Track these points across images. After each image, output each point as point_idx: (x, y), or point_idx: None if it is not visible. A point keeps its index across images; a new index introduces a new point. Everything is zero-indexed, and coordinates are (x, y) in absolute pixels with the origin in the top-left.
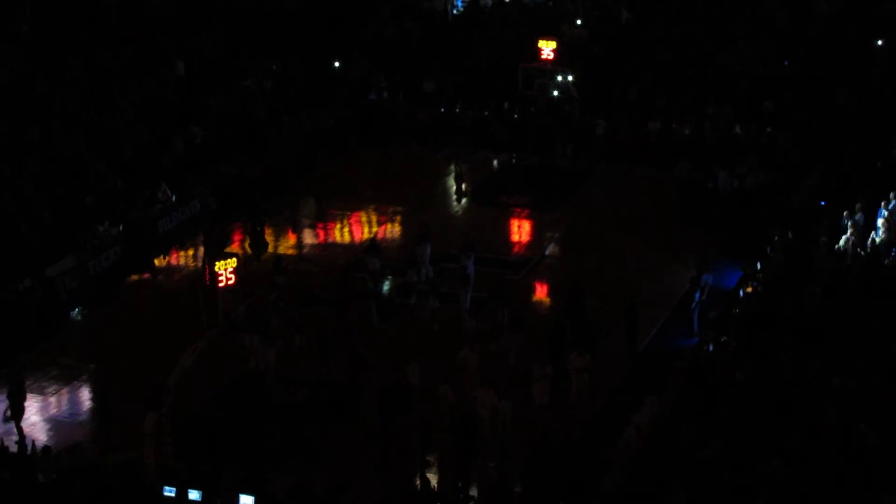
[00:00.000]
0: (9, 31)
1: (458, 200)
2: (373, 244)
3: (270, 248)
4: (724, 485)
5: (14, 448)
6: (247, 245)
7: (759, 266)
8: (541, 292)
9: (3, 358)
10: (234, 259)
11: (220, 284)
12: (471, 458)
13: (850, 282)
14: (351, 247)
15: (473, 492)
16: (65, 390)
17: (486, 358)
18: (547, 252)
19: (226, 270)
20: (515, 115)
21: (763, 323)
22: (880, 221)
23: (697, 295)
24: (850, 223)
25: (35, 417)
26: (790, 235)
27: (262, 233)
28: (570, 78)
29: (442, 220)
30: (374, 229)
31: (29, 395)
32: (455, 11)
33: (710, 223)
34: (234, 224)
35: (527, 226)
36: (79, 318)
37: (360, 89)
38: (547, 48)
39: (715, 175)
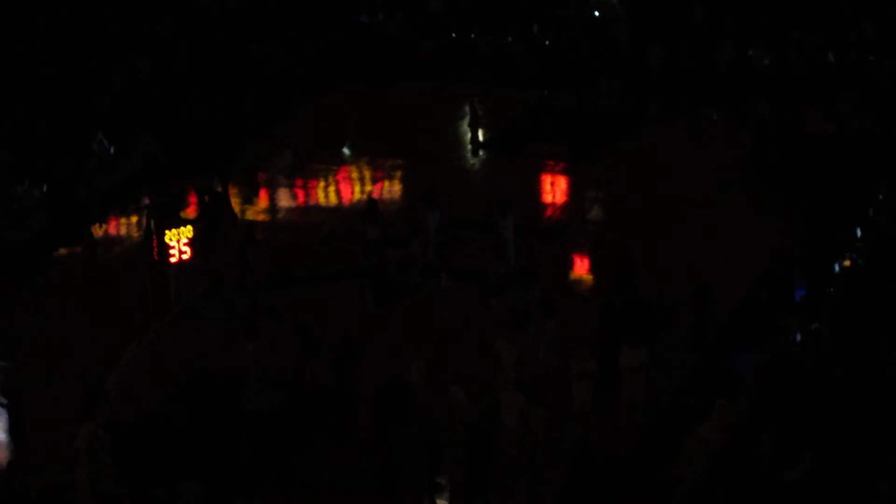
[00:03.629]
0: None
1: (475, 151)
2: (371, 207)
3: (237, 213)
4: None
5: None
6: (205, 209)
7: (859, 233)
8: (581, 268)
9: None
10: (190, 227)
11: (172, 259)
12: (491, 479)
13: None
14: (338, 210)
15: None
16: None
17: (511, 351)
18: (588, 216)
19: (179, 242)
20: (546, 42)
21: (865, 306)
22: None
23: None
24: None
25: None
26: None
27: (227, 194)
28: None
29: (454, 177)
30: (369, 188)
31: None
32: None
33: (796, 177)
34: (189, 183)
35: (562, 183)
36: None
37: (348, 9)
38: None
39: (802, 116)
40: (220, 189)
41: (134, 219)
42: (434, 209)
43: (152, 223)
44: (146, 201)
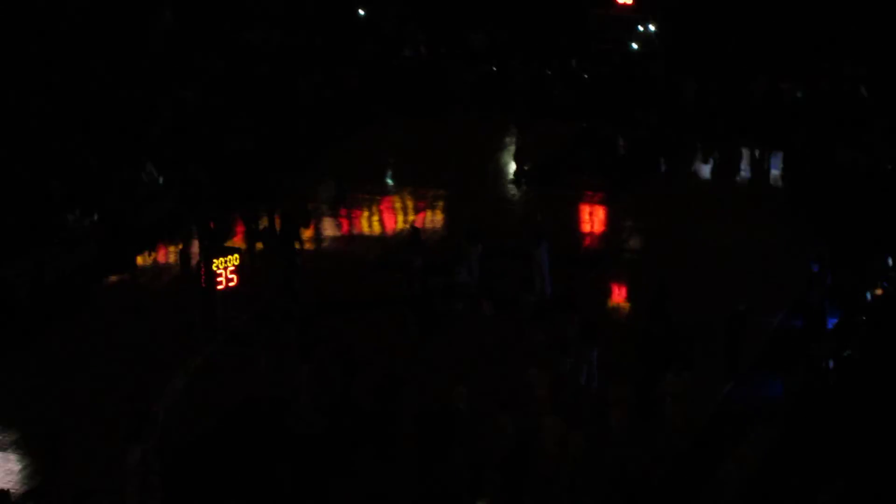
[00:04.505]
0: None
1: (517, 182)
2: (414, 236)
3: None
4: None
5: None
6: (252, 238)
7: (890, 262)
8: (619, 295)
9: None
10: (237, 255)
11: (220, 287)
12: (530, 502)
13: None
14: (382, 240)
15: None
16: (25, 421)
17: (553, 378)
18: (625, 245)
19: (226, 269)
20: (585, 75)
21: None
22: None
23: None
24: None
25: None
26: None
27: (273, 223)
28: (652, 28)
29: (495, 207)
30: (411, 218)
31: None
32: None
33: (828, 207)
34: (236, 212)
35: (600, 213)
36: None
37: (393, 43)
38: None
39: (833, 147)
40: (265, 219)
41: (181, 247)
42: (476, 242)
43: (201, 251)
44: (194, 230)
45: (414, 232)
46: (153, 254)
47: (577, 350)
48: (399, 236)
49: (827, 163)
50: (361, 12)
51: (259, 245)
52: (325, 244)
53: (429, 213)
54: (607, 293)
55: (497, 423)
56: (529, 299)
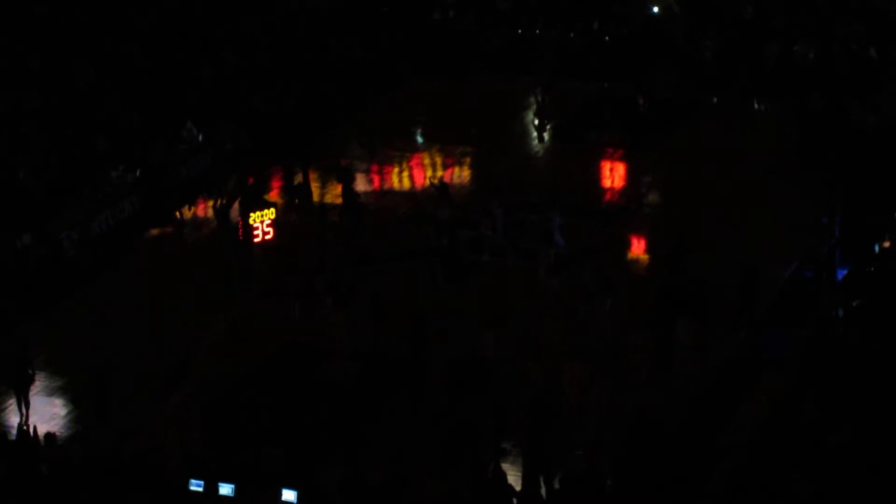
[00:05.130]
0: None
1: (540, 139)
2: (442, 189)
3: (316, 197)
4: (860, 476)
5: (13, 434)
6: (288, 192)
7: None
8: (638, 248)
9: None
10: (272, 209)
11: (257, 239)
12: (555, 445)
13: None
14: (412, 194)
15: (557, 485)
16: (70, 367)
17: (572, 326)
18: (644, 200)
19: (262, 223)
20: (607, 37)
21: None
22: None
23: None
24: None
25: (35, 399)
26: None
27: (308, 179)
28: None
29: (521, 163)
30: (440, 174)
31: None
32: None
33: (840, 164)
34: (273, 168)
35: (620, 169)
36: None
37: (422, 7)
38: None
39: (846, 107)
40: (300, 175)
41: (221, 201)
42: (500, 197)
43: (239, 205)
44: (233, 184)
45: (442, 187)
46: (193, 208)
47: (596, 300)
48: (427, 191)
49: (838, 121)
50: None
51: (293, 199)
52: (357, 199)
53: (456, 169)
54: (627, 246)
55: (524, 369)
56: (548, 252)
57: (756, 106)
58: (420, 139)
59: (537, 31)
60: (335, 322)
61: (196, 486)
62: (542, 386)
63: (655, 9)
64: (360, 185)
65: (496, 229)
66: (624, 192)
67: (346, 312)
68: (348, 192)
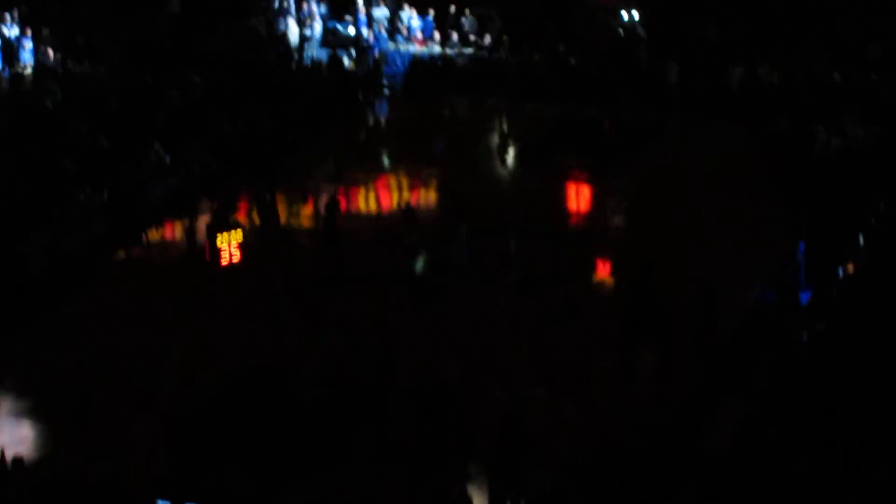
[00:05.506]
0: None
1: (503, 161)
2: (408, 212)
3: (283, 219)
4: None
5: None
6: (255, 215)
7: (861, 240)
8: (603, 271)
9: None
10: (240, 231)
11: (223, 262)
12: (521, 468)
13: None
14: (378, 218)
15: None
16: (37, 389)
17: (537, 350)
18: (608, 223)
19: (230, 245)
20: (572, 61)
21: (867, 309)
22: None
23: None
24: None
25: (2, 421)
26: None
27: (274, 200)
28: (636, 14)
29: (486, 185)
30: (406, 196)
31: None
32: None
33: (803, 187)
34: (240, 190)
35: (585, 191)
36: None
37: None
38: None
39: (810, 131)
40: (268, 196)
41: (187, 223)
42: (462, 219)
43: (206, 228)
44: (200, 207)
45: (408, 209)
46: (161, 229)
47: (561, 323)
48: (394, 213)
49: (802, 144)
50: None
51: (260, 221)
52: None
53: (422, 191)
54: (591, 269)
55: (489, 393)
56: (508, 275)
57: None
58: (386, 160)
59: (501, 54)
60: (301, 343)
61: None
62: (508, 410)
63: (620, 31)
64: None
65: (461, 251)
66: (588, 215)
67: (311, 334)
68: (332, 222)
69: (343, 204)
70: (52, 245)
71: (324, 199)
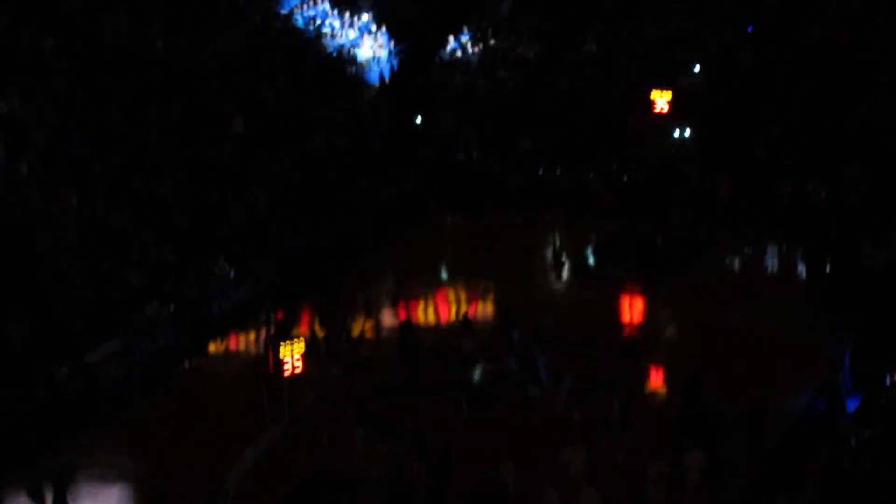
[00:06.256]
0: (43, 84)
1: (558, 275)
2: (465, 323)
3: (345, 331)
4: None
5: None
6: (317, 326)
7: None
8: (655, 381)
9: (38, 457)
10: (302, 342)
11: (286, 372)
12: None
13: None
14: (436, 328)
15: None
16: (108, 493)
17: (591, 455)
18: (662, 334)
19: (292, 356)
20: (625, 178)
21: None
22: None
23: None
24: None
25: None
26: None
27: (337, 313)
28: (686, 133)
29: (543, 298)
30: (463, 308)
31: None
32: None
33: (850, 298)
34: (302, 303)
35: (639, 303)
36: None
37: (446, 148)
38: (661, 100)
39: (856, 245)
40: (331, 309)
41: (252, 335)
42: (517, 330)
43: (269, 339)
44: (263, 319)
45: (465, 320)
46: (225, 340)
47: (616, 431)
48: (452, 324)
49: (850, 258)
50: (418, 119)
51: (321, 333)
52: (384, 332)
53: (480, 303)
54: (645, 378)
55: (542, 497)
56: (559, 386)
57: (770, 244)
58: (444, 273)
59: (557, 172)
60: (363, 452)
61: None
62: None
63: (671, 150)
64: (387, 318)
65: (516, 361)
66: (642, 326)
67: (372, 443)
68: (409, 335)
69: (404, 315)
70: (121, 354)
71: (388, 312)
